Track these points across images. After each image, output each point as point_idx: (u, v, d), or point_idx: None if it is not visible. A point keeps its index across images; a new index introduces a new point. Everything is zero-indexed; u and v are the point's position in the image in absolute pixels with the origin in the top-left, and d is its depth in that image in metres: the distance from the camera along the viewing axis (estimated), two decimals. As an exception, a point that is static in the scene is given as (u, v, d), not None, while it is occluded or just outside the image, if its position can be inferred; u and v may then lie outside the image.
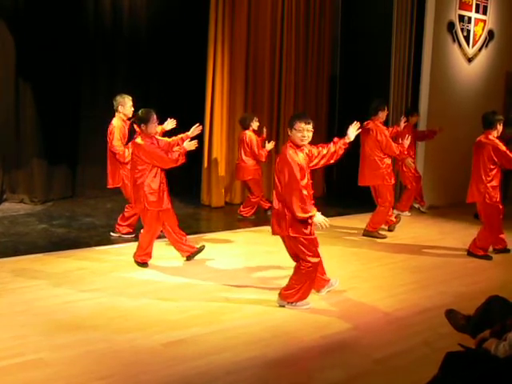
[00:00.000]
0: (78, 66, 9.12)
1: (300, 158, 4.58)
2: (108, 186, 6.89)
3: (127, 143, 6.52)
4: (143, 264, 5.85)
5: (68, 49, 8.92)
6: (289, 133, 4.66)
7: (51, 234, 7.12)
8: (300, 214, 4.51)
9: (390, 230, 7.67)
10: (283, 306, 4.83)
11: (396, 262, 6.40)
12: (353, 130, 5.06)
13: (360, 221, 7.83)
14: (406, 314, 4.86)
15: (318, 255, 4.74)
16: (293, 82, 9.54)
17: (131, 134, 6.59)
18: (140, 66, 9.75)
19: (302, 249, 4.67)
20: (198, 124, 6.18)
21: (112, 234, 6.92)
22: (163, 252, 6.38)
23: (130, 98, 6.74)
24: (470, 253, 6.62)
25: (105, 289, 5.20)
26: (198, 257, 6.08)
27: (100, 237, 6.97)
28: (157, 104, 10.16)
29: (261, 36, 9.17)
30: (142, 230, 5.87)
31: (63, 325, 4.38)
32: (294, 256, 4.79)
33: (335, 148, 4.93)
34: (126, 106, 6.68)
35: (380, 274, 5.93)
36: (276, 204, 4.67)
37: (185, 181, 9.84)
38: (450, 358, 3.02)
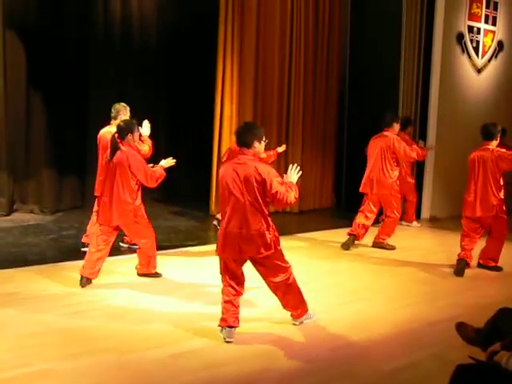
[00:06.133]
0: (88, 77, 9.19)
1: None
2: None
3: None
4: (157, 274, 5.86)
5: (78, 60, 9.00)
6: (257, 146, 4.41)
7: (61, 244, 7.14)
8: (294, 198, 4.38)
9: (374, 246, 7.47)
10: (302, 323, 4.74)
11: (406, 273, 6.37)
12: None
13: (369, 232, 7.75)
14: (416, 326, 4.83)
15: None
16: (302, 92, 9.54)
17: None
18: (150, 76, 9.82)
19: (278, 262, 4.45)
20: (171, 157, 5.74)
21: (121, 244, 6.91)
22: (172, 263, 6.39)
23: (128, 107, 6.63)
24: (481, 264, 6.58)
25: (114, 299, 5.21)
26: (208, 268, 6.03)
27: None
28: (167, 112, 10.30)
29: (269, 45, 9.19)
30: (138, 247, 5.80)
31: (72, 335, 4.39)
32: (273, 277, 4.49)
33: None
34: (127, 114, 6.50)
35: (390, 286, 5.90)
36: (238, 225, 4.29)
37: (193, 191, 9.86)
38: (460, 370, 2.99)
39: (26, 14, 8.58)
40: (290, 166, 4.54)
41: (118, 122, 6.45)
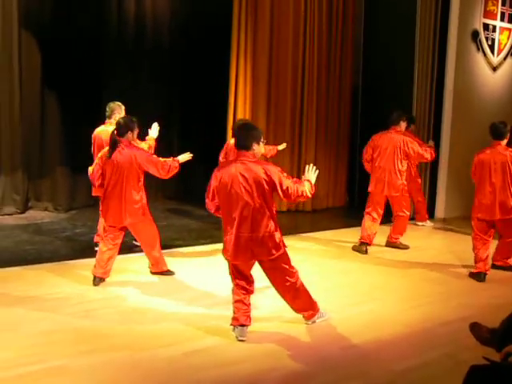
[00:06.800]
0: (102, 76, 9.24)
1: None
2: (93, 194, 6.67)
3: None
4: (169, 272, 5.88)
5: (91, 59, 9.04)
6: (256, 148, 4.36)
7: (74, 242, 7.18)
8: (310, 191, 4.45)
9: (388, 246, 7.43)
10: (314, 322, 4.74)
11: (418, 273, 6.34)
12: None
13: (382, 231, 7.68)
14: (429, 326, 4.80)
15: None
16: (315, 92, 9.50)
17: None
18: (163, 75, 9.86)
19: (286, 266, 4.45)
20: (188, 152, 5.76)
21: (134, 242, 6.92)
22: (185, 262, 6.41)
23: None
24: (497, 266, 6.50)
25: (126, 298, 5.23)
26: (220, 267, 6.04)
27: (122, 245, 6.98)
28: (180, 111, 10.33)
29: (283, 45, 9.17)
30: (146, 247, 5.79)
31: (85, 332, 4.42)
32: (281, 282, 4.50)
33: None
34: (121, 113, 6.44)
35: (402, 286, 5.87)
36: (249, 229, 4.26)
37: (206, 189, 9.87)
38: (474, 371, 2.96)
39: (40, 15, 8.63)
40: (307, 166, 4.58)
41: (112, 121, 6.41)
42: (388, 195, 7.16)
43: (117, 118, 6.38)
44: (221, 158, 7.39)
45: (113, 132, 5.52)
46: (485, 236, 6.22)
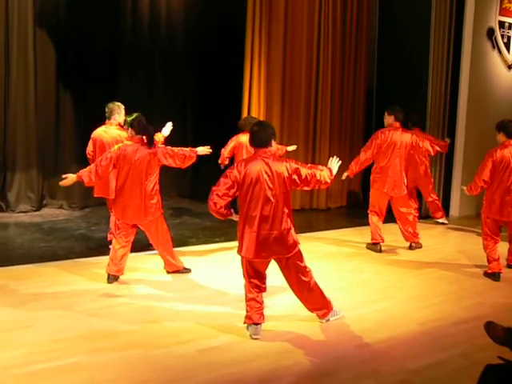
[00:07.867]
0: (116, 76, 9.29)
1: None
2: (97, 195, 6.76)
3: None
4: (185, 269, 5.90)
5: (106, 59, 9.11)
6: (273, 145, 4.44)
7: (89, 239, 7.23)
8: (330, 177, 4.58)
9: (413, 248, 7.29)
10: (328, 320, 4.74)
11: (431, 272, 6.30)
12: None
13: (392, 230, 7.62)
14: (443, 324, 4.78)
15: None
16: (329, 90, 9.49)
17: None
18: (177, 76, 9.88)
19: (302, 264, 4.46)
20: (209, 146, 5.79)
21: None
22: (198, 260, 6.42)
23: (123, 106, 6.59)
24: (510, 266, 6.46)
25: (141, 295, 5.26)
26: (233, 265, 6.06)
27: (137, 243, 7.00)
28: (194, 110, 10.35)
29: (297, 44, 9.17)
30: (160, 247, 5.78)
31: (100, 329, 4.44)
32: (296, 280, 4.51)
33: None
34: (121, 113, 6.48)
35: (415, 284, 5.85)
36: (269, 227, 4.28)
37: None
38: (489, 370, 2.95)
39: (55, 14, 8.70)
40: (331, 158, 4.73)
41: (112, 121, 6.46)
42: (394, 195, 7.04)
43: (116, 119, 6.48)
44: (226, 154, 7.41)
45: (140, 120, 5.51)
46: (495, 236, 6.17)
